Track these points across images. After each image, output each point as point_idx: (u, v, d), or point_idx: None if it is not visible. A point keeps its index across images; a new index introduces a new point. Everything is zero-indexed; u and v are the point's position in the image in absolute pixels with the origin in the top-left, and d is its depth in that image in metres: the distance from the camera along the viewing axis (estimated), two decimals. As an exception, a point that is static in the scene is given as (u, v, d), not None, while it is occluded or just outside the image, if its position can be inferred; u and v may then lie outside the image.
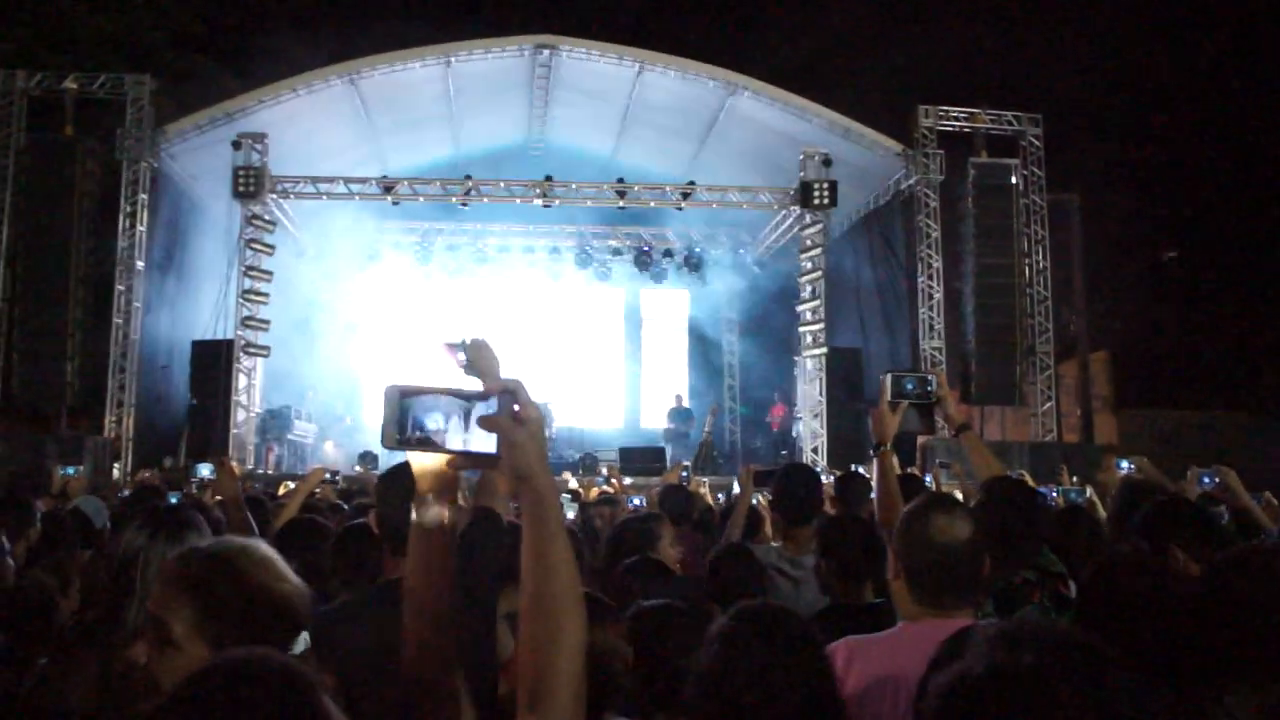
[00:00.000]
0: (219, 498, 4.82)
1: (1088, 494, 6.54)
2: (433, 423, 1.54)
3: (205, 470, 7.38)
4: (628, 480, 11.55)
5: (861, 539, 3.60)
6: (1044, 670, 1.12)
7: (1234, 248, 22.80)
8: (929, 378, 3.76)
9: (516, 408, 1.52)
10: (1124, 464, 6.72)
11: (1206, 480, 5.56)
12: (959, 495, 5.69)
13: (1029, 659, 1.13)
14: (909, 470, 11.24)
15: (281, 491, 8.62)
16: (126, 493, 8.67)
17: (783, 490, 4.56)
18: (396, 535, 2.94)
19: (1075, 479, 8.90)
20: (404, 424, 1.54)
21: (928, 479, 8.79)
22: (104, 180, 15.26)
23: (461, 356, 3.04)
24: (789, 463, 6.61)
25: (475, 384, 1.58)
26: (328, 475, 8.89)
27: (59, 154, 14.90)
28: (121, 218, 15.37)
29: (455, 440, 1.54)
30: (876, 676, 2.51)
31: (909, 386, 3.62)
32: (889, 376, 3.61)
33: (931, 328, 16.38)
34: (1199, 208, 23.12)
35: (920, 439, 14.80)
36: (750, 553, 4.01)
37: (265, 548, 1.98)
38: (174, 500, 5.66)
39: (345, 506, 6.48)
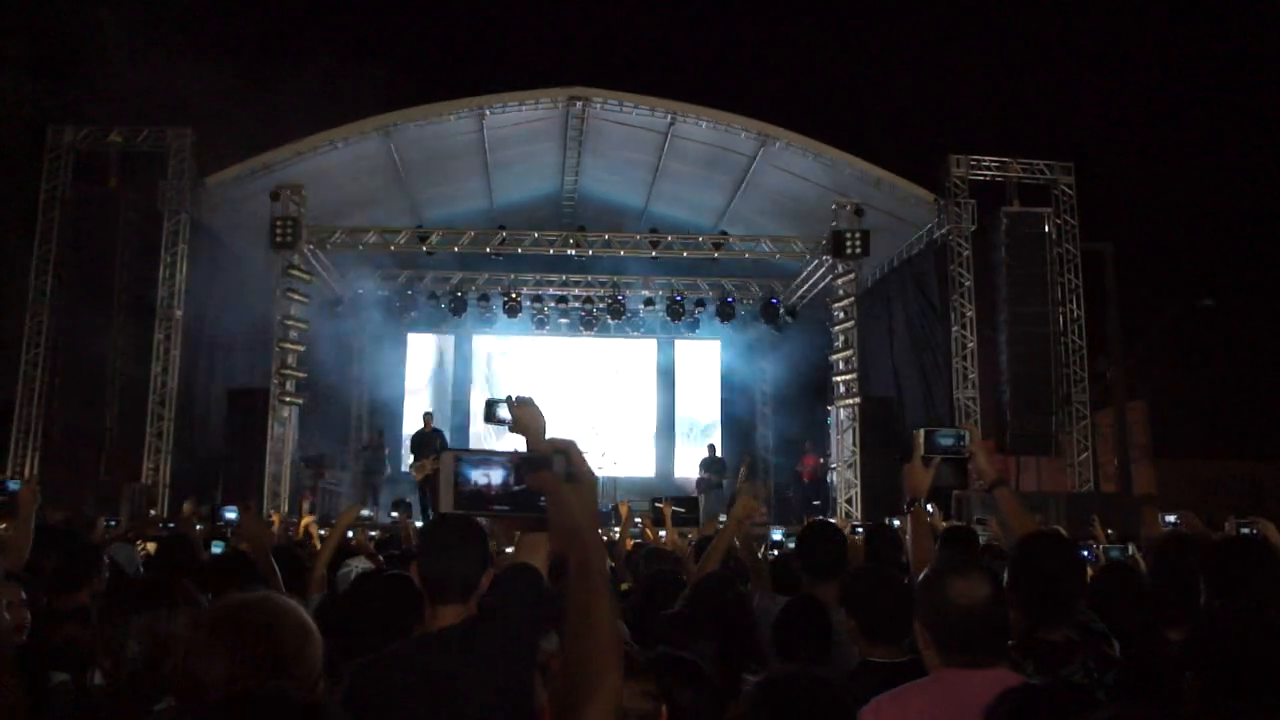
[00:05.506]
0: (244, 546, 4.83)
1: (1129, 550, 6.44)
2: (482, 478, 1.57)
3: (230, 514, 7.49)
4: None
5: (891, 594, 3.36)
6: None
7: (1270, 294, 22.60)
8: (962, 433, 3.75)
9: (567, 470, 1.56)
10: (1169, 518, 6.62)
11: (1245, 532, 5.48)
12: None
13: None
14: (956, 523, 11.09)
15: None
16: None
17: (806, 546, 4.56)
18: (438, 586, 2.97)
19: (1110, 531, 8.77)
20: (460, 485, 1.57)
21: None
22: (145, 230, 15.54)
23: (505, 414, 3.08)
24: (813, 520, 6.49)
25: (523, 444, 1.61)
26: (362, 513, 8.87)
27: (103, 205, 15.28)
28: (162, 267, 15.61)
29: (508, 498, 1.58)
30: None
31: (942, 442, 3.61)
32: (922, 432, 3.60)
33: (966, 377, 16.27)
34: (1234, 254, 22.96)
35: (956, 492, 14.69)
36: (731, 581, 3.96)
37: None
38: (217, 550, 5.70)
39: (380, 557, 6.45)
